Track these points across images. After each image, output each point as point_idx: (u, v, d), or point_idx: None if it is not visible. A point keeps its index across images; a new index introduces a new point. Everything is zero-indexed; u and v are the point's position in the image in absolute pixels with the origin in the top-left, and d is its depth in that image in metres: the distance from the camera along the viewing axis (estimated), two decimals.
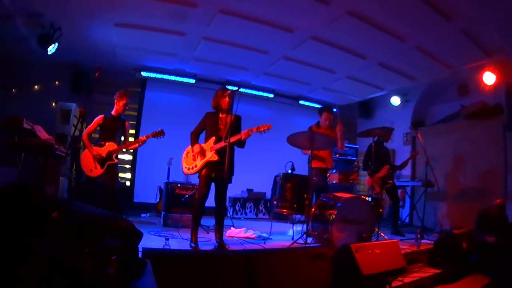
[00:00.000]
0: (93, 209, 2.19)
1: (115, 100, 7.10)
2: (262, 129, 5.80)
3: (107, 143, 6.89)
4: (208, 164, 5.96)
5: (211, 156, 5.93)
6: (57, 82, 11.13)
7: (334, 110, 8.32)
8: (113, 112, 7.12)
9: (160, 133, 6.97)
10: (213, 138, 6.02)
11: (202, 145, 6.11)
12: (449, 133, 10.49)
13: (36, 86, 10.90)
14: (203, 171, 5.99)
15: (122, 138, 7.25)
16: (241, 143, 5.99)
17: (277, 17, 8.08)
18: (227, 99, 6.12)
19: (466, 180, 9.79)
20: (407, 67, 10.10)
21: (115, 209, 6.42)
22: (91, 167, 6.84)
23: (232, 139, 5.71)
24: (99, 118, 7.03)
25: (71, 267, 1.62)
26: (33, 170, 8.14)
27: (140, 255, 2.84)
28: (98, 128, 7.07)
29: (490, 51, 8.51)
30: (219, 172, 5.79)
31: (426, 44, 8.62)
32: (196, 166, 6.07)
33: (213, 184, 6.08)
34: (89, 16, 8.38)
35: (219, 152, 5.86)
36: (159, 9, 7.89)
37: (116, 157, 6.96)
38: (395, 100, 12.01)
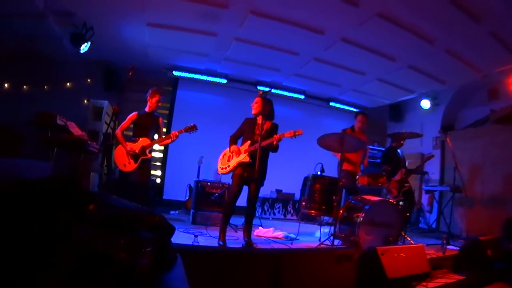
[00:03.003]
0: (128, 203, 2.27)
1: (148, 97, 7.22)
2: (294, 135, 5.83)
3: (140, 139, 7.00)
4: (241, 165, 6.07)
5: (243, 157, 6.04)
6: (89, 80, 11.33)
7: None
8: (146, 109, 7.24)
9: (193, 128, 7.01)
10: (248, 142, 6.13)
11: (239, 147, 6.25)
12: (478, 137, 10.31)
13: (68, 84, 11.10)
14: (237, 171, 6.11)
15: (156, 136, 7.32)
16: (273, 148, 6.05)
17: (308, 19, 8.13)
18: (253, 104, 6.30)
19: (494, 186, 9.58)
20: (437, 70, 10.03)
21: (146, 204, 6.51)
22: (125, 162, 6.95)
23: (264, 143, 5.77)
24: (133, 115, 7.16)
25: (107, 256, 1.71)
26: (66, 165, 8.31)
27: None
28: (132, 125, 7.20)
29: None
30: (251, 173, 5.88)
31: (455, 46, 8.57)
32: (229, 166, 6.21)
33: (245, 186, 6.19)
34: (122, 16, 8.57)
35: (252, 154, 5.97)
36: (191, 10, 8.00)
37: (150, 152, 7.06)
38: (425, 104, 11.93)
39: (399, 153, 8.81)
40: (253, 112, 6.31)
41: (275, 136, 5.83)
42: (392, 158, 8.11)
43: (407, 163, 9.07)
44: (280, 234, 7.29)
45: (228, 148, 6.39)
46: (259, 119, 6.26)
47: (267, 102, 6.23)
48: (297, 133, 5.83)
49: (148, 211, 2.26)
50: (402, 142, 8.72)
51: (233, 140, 6.42)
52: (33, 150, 8.20)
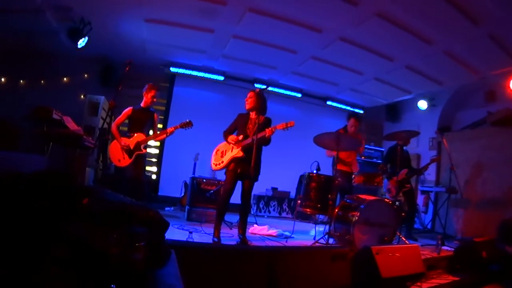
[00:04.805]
0: (122, 197, 2.25)
1: (144, 93, 7.21)
2: (286, 126, 5.83)
3: (135, 134, 6.98)
4: (235, 160, 6.05)
5: (236, 152, 6.03)
6: (86, 75, 11.32)
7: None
8: (142, 104, 7.21)
9: (188, 124, 6.96)
10: (241, 137, 6.11)
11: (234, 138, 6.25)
12: (475, 139, 10.30)
13: (65, 79, 11.09)
14: (230, 166, 6.10)
15: (151, 132, 7.29)
16: (266, 141, 6.02)
17: (306, 17, 8.12)
18: (247, 99, 6.29)
19: (490, 188, 9.56)
20: (434, 71, 10.03)
21: (141, 199, 6.48)
22: (119, 158, 6.94)
23: (259, 135, 5.71)
24: (128, 110, 7.14)
25: (100, 251, 1.69)
26: (61, 159, 8.29)
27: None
28: (127, 120, 7.18)
29: None
30: (245, 168, 5.89)
31: (453, 48, 8.57)
32: (222, 162, 6.21)
33: (239, 182, 6.17)
34: (120, 12, 8.54)
35: (245, 149, 5.96)
36: (189, 6, 8.00)
37: (145, 148, 7.05)
38: (422, 104, 11.93)
39: (405, 152, 8.78)
40: (247, 107, 6.30)
41: (267, 129, 5.82)
42: (393, 157, 8.08)
43: None
44: (275, 232, 7.28)
45: (222, 143, 6.41)
46: (253, 114, 6.27)
47: (261, 97, 6.19)
48: (288, 125, 5.84)
49: (142, 205, 2.25)
50: (408, 140, 8.65)
51: (227, 136, 6.40)
52: (29, 144, 8.16)
